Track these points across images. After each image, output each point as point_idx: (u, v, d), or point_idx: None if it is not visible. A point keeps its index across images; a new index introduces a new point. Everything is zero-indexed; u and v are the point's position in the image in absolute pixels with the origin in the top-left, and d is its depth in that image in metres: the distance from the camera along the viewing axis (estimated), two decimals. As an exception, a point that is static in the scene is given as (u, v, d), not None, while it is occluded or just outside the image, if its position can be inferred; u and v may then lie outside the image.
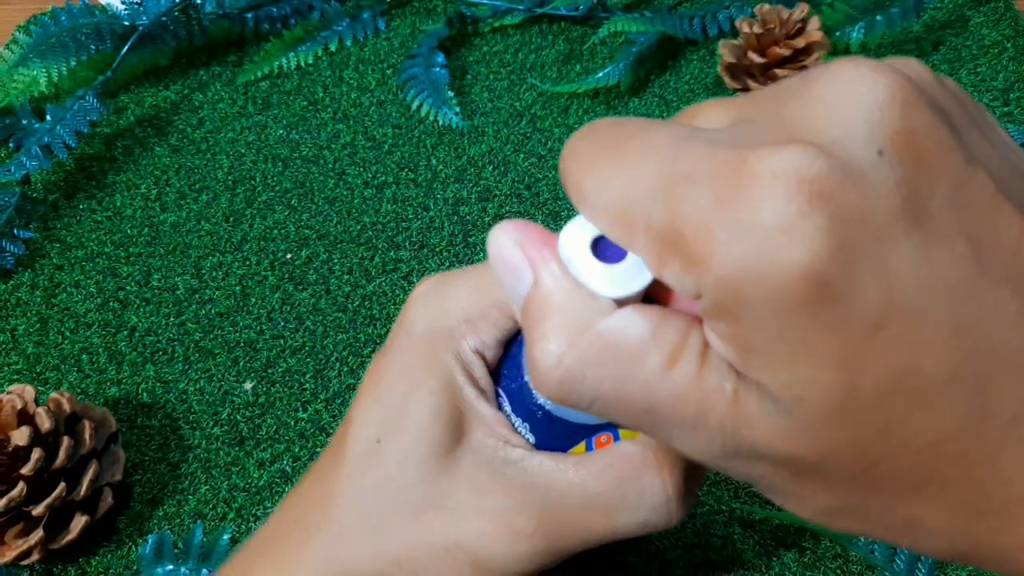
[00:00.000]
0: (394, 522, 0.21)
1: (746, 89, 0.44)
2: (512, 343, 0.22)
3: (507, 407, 0.22)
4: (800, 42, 0.42)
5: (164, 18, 0.46)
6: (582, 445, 0.21)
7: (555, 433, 0.21)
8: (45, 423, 0.31)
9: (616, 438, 0.21)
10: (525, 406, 0.21)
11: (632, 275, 0.17)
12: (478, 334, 0.22)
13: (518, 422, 0.22)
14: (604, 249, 0.17)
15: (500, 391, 0.22)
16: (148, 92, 0.47)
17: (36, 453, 0.30)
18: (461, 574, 0.21)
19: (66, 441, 0.31)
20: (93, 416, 0.34)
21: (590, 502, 0.20)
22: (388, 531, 0.21)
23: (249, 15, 0.48)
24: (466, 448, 0.21)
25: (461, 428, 0.21)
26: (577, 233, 0.17)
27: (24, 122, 0.44)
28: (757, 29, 0.43)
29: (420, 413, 0.21)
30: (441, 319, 0.22)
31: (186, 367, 0.37)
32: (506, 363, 0.22)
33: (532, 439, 0.21)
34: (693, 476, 0.21)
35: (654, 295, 0.17)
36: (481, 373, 0.22)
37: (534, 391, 0.21)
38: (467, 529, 0.20)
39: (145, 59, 0.47)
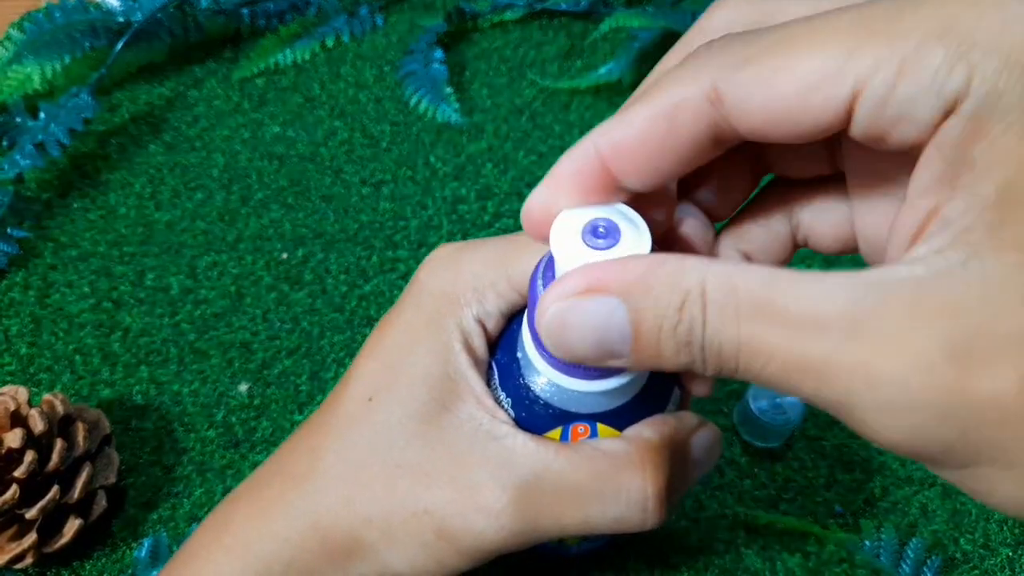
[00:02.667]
0: (371, 479, 0.21)
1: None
2: (513, 318, 0.22)
3: (496, 380, 0.22)
4: None
5: (159, 14, 0.46)
6: (558, 431, 0.21)
7: (536, 414, 0.21)
8: (38, 425, 0.31)
9: (593, 430, 0.21)
10: (513, 382, 0.21)
11: (631, 252, 0.17)
12: (483, 302, 0.22)
13: (503, 396, 0.22)
14: (597, 235, 0.17)
15: (493, 363, 0.22)
16: (142, 89, 0.46)
17: (29, 455, 0.30)
18: (425, 540, 0.21)
19: (59, 443, 0.31)
20: (87, 418, 0.33)
21: (566, 489, 0.20)
22: (364, 487, 0.21)
23: (245, 11, 0.48)
24: (452, 416, 0.21)
25: (450, 395, 0.21)
26: (570, 220, 0.17)
27: (18, 120, 0.44)
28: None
29: (412, 373, 0.22)
30: (451, 284, 0.22)
31: (180, 368, 0.37)
32: (504, 337, 0.23)
33: (513, 415, 0.22)
34: (677, 485, 0.21)
35: None
36: (479, 343, 0.22)
37: (523, 370, 0.21)
38: (437, 496, 0.21)
39: (140, 56, 0.47)
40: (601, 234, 0.17)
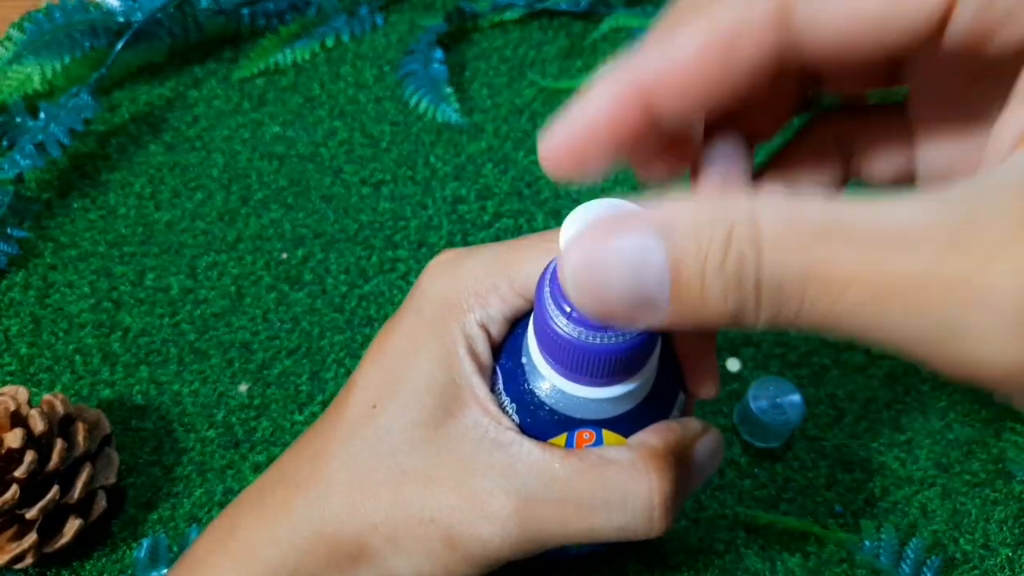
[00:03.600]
0: (377, 486, 0.21)
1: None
2: (518, 323, 0.22)
3: (500, 385, 0.22)
4: None
5: (159, 15, 0.46)
6: (563, 437, 0.21)
7: (540, 419, 0.21)
8: (38, 425, 0.31)
9: (599, 436, 0.21)
10: (517, 388, 0.21)
11: None
12: (486, 307, 0.22)
13: (507, 402, 0.22)
14: None
15: (497, 368, 0.22)
16: (143, 89, 0.46)
17: (29, 455, 0.30)
18: (432, 547, 0.21)
19: (59, 443, 0.31)
20: (87, 418, 0.33)
21: (571, 498, 0.20)
22: (370, 494, 0.21)
23: (245, 11, 0.48)
24: (457, 422, 0.21)
25: (455, 401, 0.21)
26: (577, 224, 0.17)
27: (18, 120, 0.44)
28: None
29: (416, 380, 0.21)
30: (453, 289, 0.22)
31: (180, 368, 0.37)
32: (508, 342, 0.22)
33: (517, 420, 0.21)
34: (681, 491, 0.21)
35: None
36: (483, 348, 0.22)
37: (528, 375, 0.21)
38: (443, 503, 0.20)
39: (140, 56, 0.47)
40: None
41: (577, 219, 0.18)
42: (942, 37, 0.13)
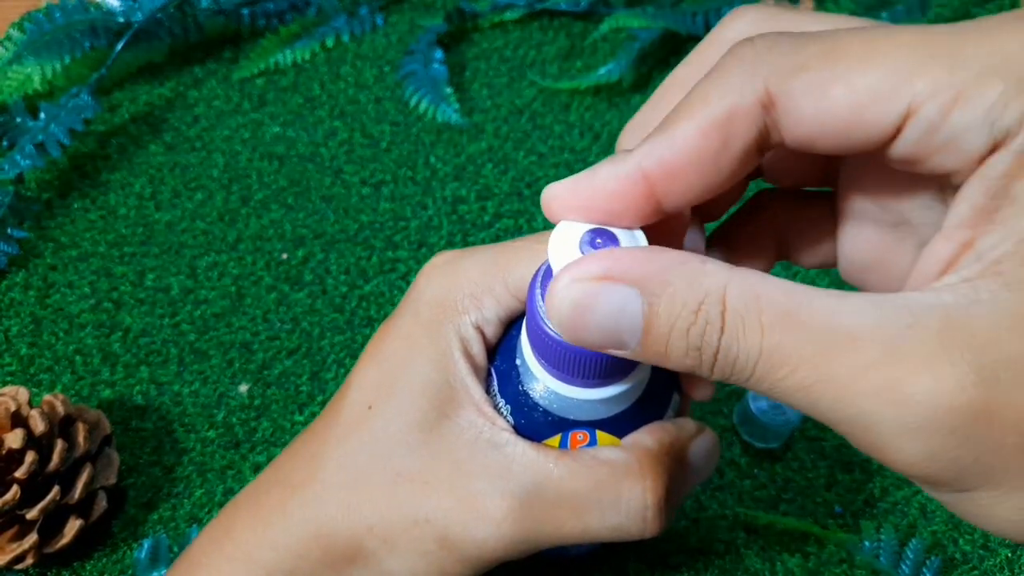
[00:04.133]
0: (372, 487, 0.21)
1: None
2: (512, 325, 0.22)
3: (495, 386, 0.22)
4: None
5: (159, 15, 0.46)
6: (557, 438, 0.21)
7: (535, 421, 0.21)
8: (39, 425, 0.31)
9: (592, 438, 0.21)
10: (512, 389, 0.21)
11: None
12: (481, 309, 0.22)
13: (502, 403, 0.22)
14: (595, 246, 0.17)
15: (492, 370, 0.22)
16: (143, 89, 0.46)
17: (30, 456, 0.30)
18: (427, 548, 0.21)
19: (60, 444, 0.31)
20: (87, 418, 0.33)
21: (566, 498, 0.20)
22: (365, 495, 0.21)
23: (245, 11, 0.48)
24: (452, 424, 0.21)
25: (450, 402, 0.21)
26: (568, 230, 0.17)
27: (18, 120, 0.44)
28: (760, 25, 0.42)
29: (412, 381, 0.21)
30: (448, 291, 0.22)
31: (181, 369, 0.37)
32: (503, 344, 0.23)
33: (511, 422, 0.22)
34: (676, 493, 0.21)
35: None
36: (478, 349, 0.22)
37: (522, 376, 0.21)
38: (438, 505, 0.21)
39: (140, 56, 0.47)
40: (599, 245, 0.17)
41: (564, 227, 0.18)
42: (887, 149, 0.15)
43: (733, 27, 0.18)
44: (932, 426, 0.13)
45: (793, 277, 0.37)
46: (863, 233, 0.19)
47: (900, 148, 0.15)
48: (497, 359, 0.22)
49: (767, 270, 0.21)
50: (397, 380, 0.22)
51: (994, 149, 0.14)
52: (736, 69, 0.15)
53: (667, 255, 0.15)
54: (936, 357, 0.13)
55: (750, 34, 0.17)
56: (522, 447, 0.21)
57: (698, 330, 0.15)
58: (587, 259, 0.16)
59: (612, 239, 0.17)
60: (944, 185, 0.16)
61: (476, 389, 0.22)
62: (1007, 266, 0.14)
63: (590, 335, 0.16)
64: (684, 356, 0.15)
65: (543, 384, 0.20)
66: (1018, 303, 0.13)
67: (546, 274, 0.19)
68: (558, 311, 0.16)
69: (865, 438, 0.14)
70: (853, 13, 0.46)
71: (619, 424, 0.21)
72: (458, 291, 0.22)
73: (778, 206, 0.21)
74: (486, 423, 0.21)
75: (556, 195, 0.17)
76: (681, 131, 0.16)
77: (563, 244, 0.17)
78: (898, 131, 0.14)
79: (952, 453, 0.14)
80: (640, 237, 0.17)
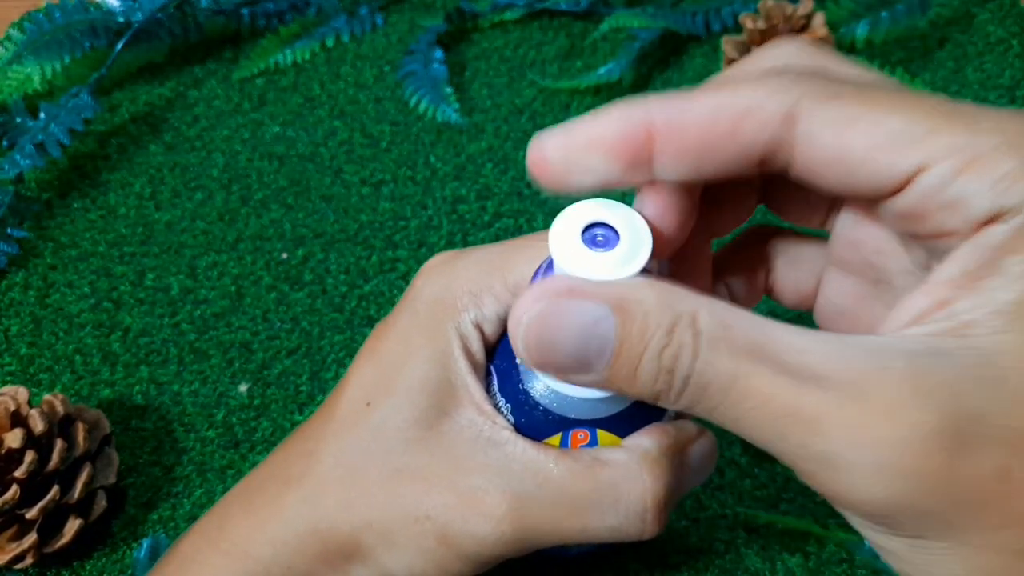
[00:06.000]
0: (371, 483, 0.21)
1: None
2: None
3: (495, 385, 0.22)
4: (805, 38, 0.42)
5: (159, 14, 0.46)
6: (558, 437, 0.21)
7: (535, 419, 0.21)
8: (38, 425, 0.31)
9: (593, 436, 0.21)
10: (512, 388, 0.21)
11: (627, 260, 0.17)
12: (480, 306, 0.22)
13: (502, 402, 0.22)
14: (596, 236, 0.17)
15: (491, 369, 0.22)
16: (143, 89, 0.46)
17: (29, 456, 0.30)
18: (426, 545, 0.21)
19: (59, 443, 0.31)
20: (87, 418, 0.33)
21: (565, 498, 0.20)
22: (364, 491, 0.21)
23: (245, 11, 0.48)
24: (451, 421, 0.21)
25: (450, 400, 0.21)
26: (567, 224, 0.17)
27: (18, 120, 0.44)
28: (761, 25, 0.42)
29: (411, 379, 0.21)
30: (448, 290, 0.22)
31: (180, 368, 0.37)
32: (503, 342, 0.22)
33: (512, 420, 0.21)
34: (673, 494, 0.21)
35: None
36: (477, 347, 0.22)
37: (522, 375, 0.21)
38: (437, 502, 0.20)
39: (140, 56, 0.47)
40: (600, 243, 0.17)
41: (566, 218, 0.18)
42: (889, 200, 0.15)
43: (773, 55, 0.18)
44: (897, 469, 0.14)
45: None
46: (847, 282, 0.20)
47: (905, 200, 0.15)
48: (496, 358, 0.22)
49: (754, 303, 0.21)
50: (396, 377, 0.22)
51: (993, 219, 0.14)
52: (775, 79, 0.15)
53: (635, 279, 0.15)
54: (906, 402, 0.13)
55: (790, 62, 0.17)
56: (522, 445, 0.21)
57: (672, 352, 0.14)
58: (556, 278, 0.15)
59: (613, 230, 0.17)
60: (931, 255, 0.17)
61: (476, 387, 0.22)
62: (977, 330, 0.14)
63: (557, 357, 0.15)
64: (654, 381, 0.15)
65: (543, 383, 0.20)
66: (980, 365, 0.14)
67: (547, 269, 0.19)
68: (525, 331, 0.15)
69: (827, 476, 0.14)
70: (853, 12, 0.46)
71: (620, 423, 0.21)
72: (457, 289, 0.22)
73: (774, 241, 0.21)
74: (486, 421, 0.21)
75: (544, 145, 0.17)
76: (701, 102, 0.15)
77: (564, 237, 0.17)
78: (906, 183, 0.15)
79: (911, 498, 0.14)
80: (639, 222, 0.17)
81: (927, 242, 0.16)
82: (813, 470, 0.15)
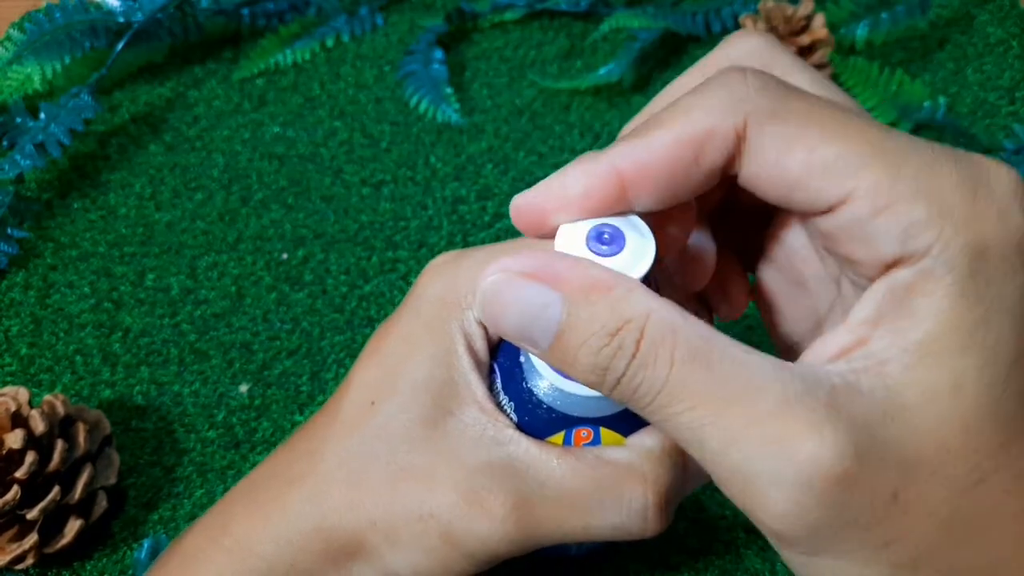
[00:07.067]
0: (375, 482, 0.21)
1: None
2: None
3: (498, 383, 0.22)
4: (805, 39, 0.42)
5: (159, 15, 0.46)
6: (561, 435, 0.21)
7: (538, 417, 0.21)
8: (39, 426, 0.31)
9: (596, 434, 0.21)
10: (515, 386, 0.21)
11: (632, 264, 0.17)
12: None
13: (505, 400, 0.22)
14: (602, 241, 0.17)
15: (495, 366, 0.22)
16: (143, 89, 0.46)
17: (30, 456, 0.30)
18: (430, 544, 0.21)
19: (60, 444, 0.31)
20: (87, 419, 0.33)
21: (567, 497, 0.20)
22: (368, 490, 0.21)
23: (245, 11, 0.48)
24: (455, 420, 0.21)
25: (453, 399, 0.21)
26: (573, 229, 0.17)
27: (18, 120, 0.44)
28: (761, 26, 0.42)
29: (415, 378, 0.22)
30: (451, 289, 0.22)
31: (181, 369, 0.37)
32: (506, 341, 0.22)
33: (515, 418, 0.21)
34: (675, 494, 0.21)
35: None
36: (480, 345, 0.22)
37: (526, 373, 0.21)
38: (441, 501, 0.21)
39: (140, 56, 0.47)
40: (606, 240, 0.17)
41: (569, 225, 0.18)
42: (816, 219, 0.17)
43: (738, 47, 0.19)
44: (807, 484, 0.15)
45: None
46: (774, 276, 0.21)
47: (827, 223, 0.16)
48: (500, 356, 0.22)
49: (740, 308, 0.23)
50: (400, 376, 0.22)
51: (900, 262, 0.16)
52: (722, 93, 0.16)
53: (604, 273, 0.16)
54: (823, 424, 0.15)
55: (750, 61, 0.18)
56: (525, 444, 0.21)
57: (608, 352, 0.16)
58: (525, 255, 0.16)
59: (618, 233, 0.17)
60: (842, 271, 0.19)
61: (479, 386, 0.22)
62: (889, 368, 0.15)
63: (503, 326, 0.17)
64: (589, 372, 0.16)
65: (547, 381, 0.20)
66: (889, 399, 0.15)
67: None
68: (481, 295, 0.17)
69: (740, 486, 0.16)
70: (853, 13, 0.46)
71: (623, 421, 0.21)
72: (460, 287, 0.22)
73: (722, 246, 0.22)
74: (489, 420, 0.21)
75: (522, 204, 0.18)
76: (659, 138, 0.17)
77: (571, 238, 0.17)
78: (830, 209, 0.16)
79: (815, 514, 0.15)
80: (643, 228, 0.18)
81: (840, 260, 0.18)
82: (727, 479, 0.16)
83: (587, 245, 0.17)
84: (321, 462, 0.22)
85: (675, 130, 0.16)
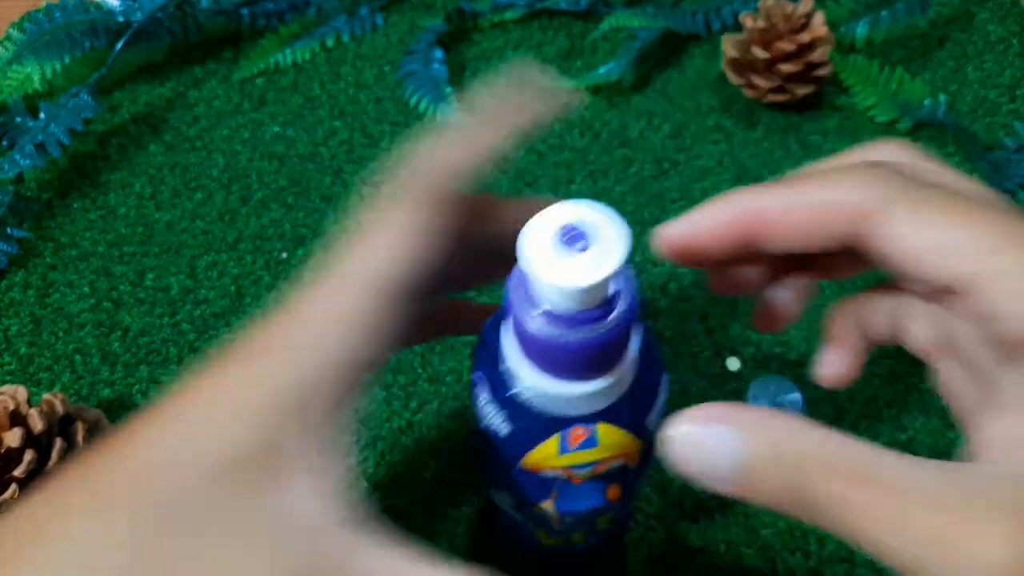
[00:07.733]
0: None
1: (750, 85, 0.44)
2: (492, 329, 0.22)
3: (485, 394, 0.21)
4: (805, 37, 0.42)
5: (159, 14, 0.46)
6: (556, 437, 0.21)
7: (530, 424, 0.20)
8: (38, 425, 0.31)
9: (593, 432, 0.21)
10: (501, 394, 0.21)
11: (599, 263, 0.17)
12: None
13: (493, 410, 0.21)
14: (571, 239, 0.17)
15: (478, 376, 0.22)
16: (143, 89, 0.46)
17: (29, 455, 0.30)
18: None
19: (59, 443, 0.31)
20: (86, 418, 0.33)
21: None
22: None
23: (245, 11, 0.48)
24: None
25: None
26: (542, 226, 0.17)
27: (18, 120, 0.44)
28: (761, 24, 0.42)
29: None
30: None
31: (180, 368, 0.37)
32: (485, 349, 0.22)
33: (506, 428, 0.21)
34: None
35: None
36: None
37: (508, 382, 0.20)
38: None
39: (140, 56, 0.47)
40: (574, 239, 0.17)
41: (540, 221, 0.18)
42: (940, 295, 0.18)
43: (885, 149, 0.20)
44: None
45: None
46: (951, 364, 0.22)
47: (959, 301, 0.17)
48: (482, 365, 0.22)
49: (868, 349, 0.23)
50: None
51: None
52: (862, 175, 0.18)
53: (776, 417, 0.17)
54: (1004, 526, 0.15)
55: (887, 158, 0.19)
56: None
57: (792, 480, 0.17)
58: (705, 411, 0.17)
59: (586, 229, 0.17)
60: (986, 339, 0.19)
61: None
62: None
63: (715, 472, 0.17)
64: (771, 495, 0.17)
65: (534, 386, 0.20)
66: None
67: (523, 275, 0.18)
68: (681, 448, 0.17)
69: None
70: (853, 11, 0.46)
71: (620, 412, 0.21)
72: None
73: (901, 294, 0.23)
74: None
75: (678, 232, 0.20)
76: (806, 195, 0.18)
77: (537, 238, 0.17)
78: (957, 288, 0.17)
79: None
80: (614, 218, 0.17)
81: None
82: (900, 568, 0.16)
83: (555, 240, 0.17)
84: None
85: (820, 192, 0.18)
